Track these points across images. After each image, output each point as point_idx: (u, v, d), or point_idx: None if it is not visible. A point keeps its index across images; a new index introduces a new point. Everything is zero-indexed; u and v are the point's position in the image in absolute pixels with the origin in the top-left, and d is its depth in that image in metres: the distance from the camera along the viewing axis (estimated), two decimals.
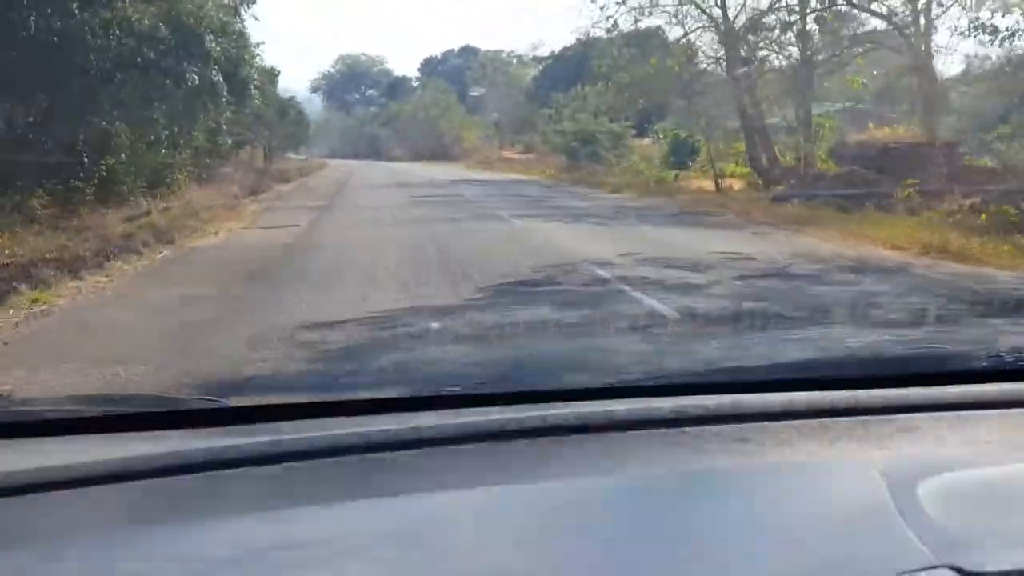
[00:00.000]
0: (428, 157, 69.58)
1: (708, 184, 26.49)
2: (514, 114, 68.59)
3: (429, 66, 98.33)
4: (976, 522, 1.08)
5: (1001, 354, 1.71)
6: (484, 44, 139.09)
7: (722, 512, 1.15)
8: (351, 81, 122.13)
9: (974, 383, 1.61)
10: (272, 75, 56.25)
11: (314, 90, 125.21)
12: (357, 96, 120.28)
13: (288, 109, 53.68)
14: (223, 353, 5.45)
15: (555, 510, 1.15)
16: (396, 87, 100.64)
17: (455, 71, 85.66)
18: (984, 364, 1.70)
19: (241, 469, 1.26)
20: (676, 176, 28.53)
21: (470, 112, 76.70)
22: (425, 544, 1.07)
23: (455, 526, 1.12)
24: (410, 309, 6.89)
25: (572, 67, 56.94)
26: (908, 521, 1.04)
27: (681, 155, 32.51)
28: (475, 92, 78.11)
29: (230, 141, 30.08)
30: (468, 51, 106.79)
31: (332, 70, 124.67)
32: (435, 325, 6.06)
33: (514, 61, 74.18)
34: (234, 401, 1.60)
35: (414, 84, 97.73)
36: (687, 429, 1.38)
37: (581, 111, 48.92)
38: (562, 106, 49.94)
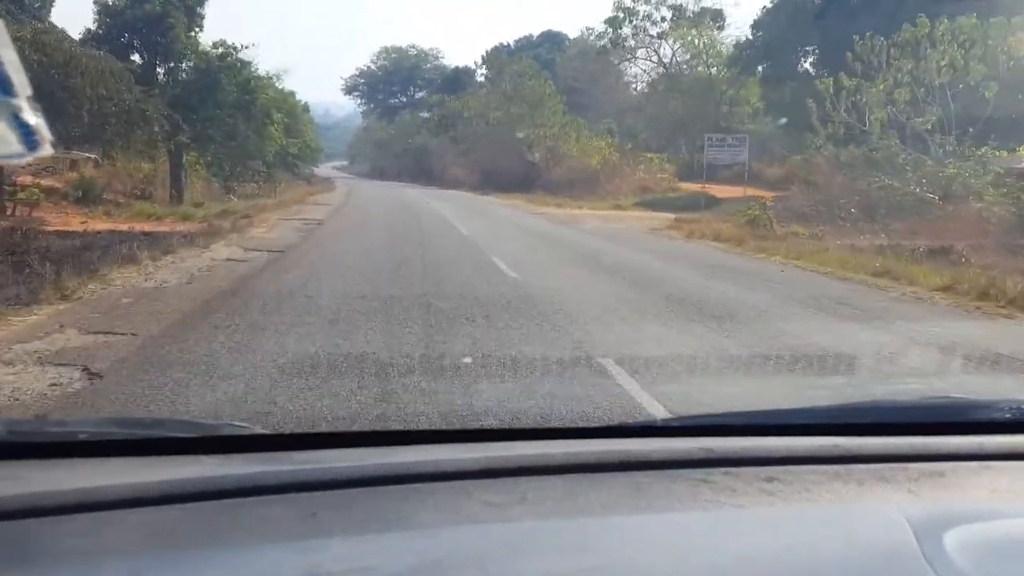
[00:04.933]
0: (508, 184, 40.52)
1: None
2: (661, 113, 39.06)
3: (499, 58, 68.12)
4: (1004, 574, 1.07)
5: None
6: (572, 30, 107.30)
7: (749, 554, 1.14)
8: (397, 80, 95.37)
9: (997, 434, 1.55)
10: (191, 14, 26.40)
11: (349, 91, 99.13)
12: (404, 99, 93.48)
13: (244, 83, 24.52)
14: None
15: (583, 547, 1.15)
16: (455, 83, 71.24)
17: (540, 64, 56.41)
18: (1007, 416, 1.61)
19: (270, 497, 1.24)
20: None
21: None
22: None
23: (485, 560, 1.10)
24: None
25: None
26: (937, 570, 1.03)
27: None
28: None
29: None
30: (552, 37, 78.65)
31: (372, 66, 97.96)
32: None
33: (667, 17, 43.00)
34: (265, 428, 1.59)
35: (479, 79, 68.26)
36: (714, 470, 1.36)
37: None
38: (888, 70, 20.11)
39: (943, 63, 20.64)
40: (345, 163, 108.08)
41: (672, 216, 21.29)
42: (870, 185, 17.71)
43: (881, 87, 20.82)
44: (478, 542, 1.15)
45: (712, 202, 25.82)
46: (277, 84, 42.72)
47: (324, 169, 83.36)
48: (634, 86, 49.15)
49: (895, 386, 4.95)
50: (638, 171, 34.30)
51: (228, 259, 11.25)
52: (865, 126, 20.68)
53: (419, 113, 75.43)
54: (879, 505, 1.29)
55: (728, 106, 35.93)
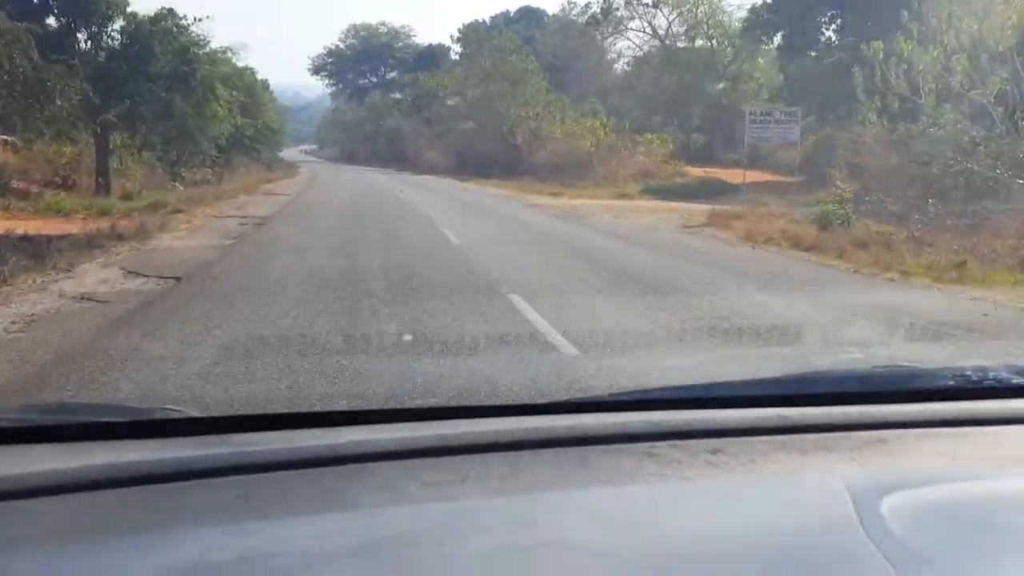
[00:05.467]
0: (488, 169, 37.18)
1: None
2: (654, 90, 35.61)
3: (475, 35, 63.87)
4: (939, 537, 1.08)
5: (967, 373, 1.65)
6: (551, 6, 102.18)
7: (691, 525, 1.15)
8: (367, 59, 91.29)
9: (939, 401, 1.55)
10: None
11: (316, 71, 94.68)
12: (374, 79, 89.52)
13: (181, 51, 20.63)
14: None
15: (527, 524, 1.14)
16: (428, 61, 67.33)
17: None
18: (950, 383, 1.62)
19: (205, 480, 1.21)
20: None
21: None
22: (392, 558, 1.05)
23: (423, 540, 1.09)
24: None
25: None
26: (871, 535, 1.04)
27: None
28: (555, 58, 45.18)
29: None
30: (531, 13, 75.04)
31: (341, 45, 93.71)
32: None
33: None
34: (200, 412, 1.54)
35: (454, 57, 64.25)
36: (659, 443, 1.35)
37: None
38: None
39: (1009, 23, 17.43)
40: (315, 147, 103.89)
41: (701, 208, 17.64)
42: (945, 170, 14.52)
43: (935, 53, 17.57)
44: (416, 522, 1.13)
45: (726, 188, 22.55)
46: (234, 60, 38.85)
47: (292, 153, 79.35)
48: (620, 63, 45.77)
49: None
50: (637, 154, 30.84)
51: (84, 296, 7.09)
52: (920, 98, 17.41)
53: (390, 94, 71.85)
54: (821, 474, 1.29)
55: (731, 81, 32.68)
